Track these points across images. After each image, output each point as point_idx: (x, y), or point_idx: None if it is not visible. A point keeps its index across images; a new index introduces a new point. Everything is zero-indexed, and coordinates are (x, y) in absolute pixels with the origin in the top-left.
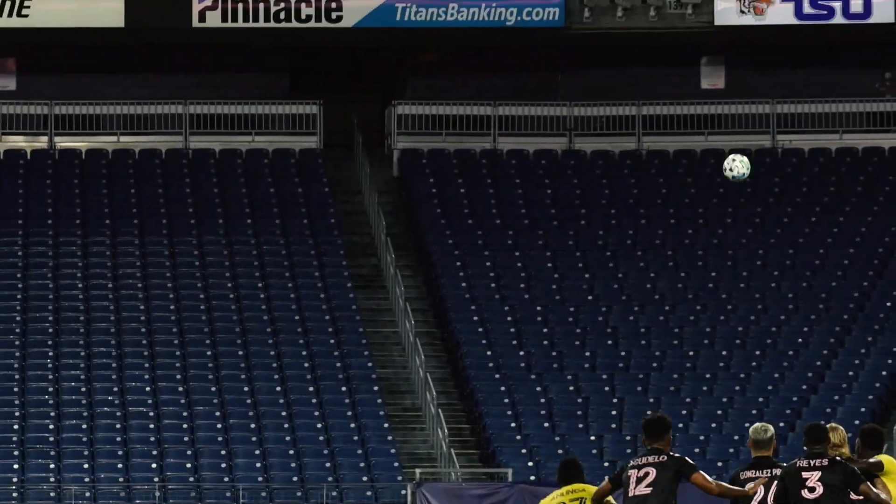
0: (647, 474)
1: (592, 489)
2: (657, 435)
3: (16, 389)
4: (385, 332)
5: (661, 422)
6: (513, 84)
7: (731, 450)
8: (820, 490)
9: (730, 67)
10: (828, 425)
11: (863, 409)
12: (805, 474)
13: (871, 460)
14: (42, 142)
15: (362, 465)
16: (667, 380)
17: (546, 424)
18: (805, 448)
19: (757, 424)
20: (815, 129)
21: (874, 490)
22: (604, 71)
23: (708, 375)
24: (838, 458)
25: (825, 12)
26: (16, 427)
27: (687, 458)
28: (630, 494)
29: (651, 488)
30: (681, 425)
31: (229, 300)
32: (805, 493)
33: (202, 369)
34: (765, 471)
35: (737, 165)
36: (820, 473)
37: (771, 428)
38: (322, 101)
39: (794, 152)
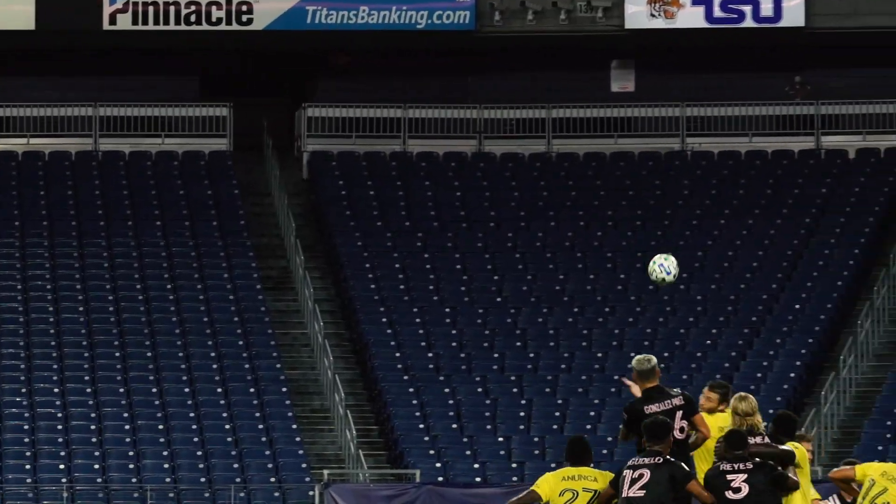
0: (641, 476)
1: (603, 476)
2: (658, 438)
3: None
4: (294, 334)
5: (665, 425)
6: (423, 87)
7: None
8: (745, 490)
9: (640, 71)
10: (738, 394)
11: (770, 412)
12: (730, 476)
13: (785, 448)
14: None
15: (270, 466)
16: (575, 381)
17: (454, 426)
18: (725, 453)
19: (639, 356)
20: (724, 133)
21: (794, 478)
22: (514, 74)
23: (616, 377)
24: (762, 460)
25: (735, 16)
26: None
27: (683, 465)
28: (624, 495)
29: (644, 491)
30: (589, 427)
31: (138, 301)
32: (729, 494)
33: (110, 370)
34: (665, 402)
35: (666, 268)
36: (745, 475)
37: (653, 358)
38: (232, 104)
39: (704, 155)
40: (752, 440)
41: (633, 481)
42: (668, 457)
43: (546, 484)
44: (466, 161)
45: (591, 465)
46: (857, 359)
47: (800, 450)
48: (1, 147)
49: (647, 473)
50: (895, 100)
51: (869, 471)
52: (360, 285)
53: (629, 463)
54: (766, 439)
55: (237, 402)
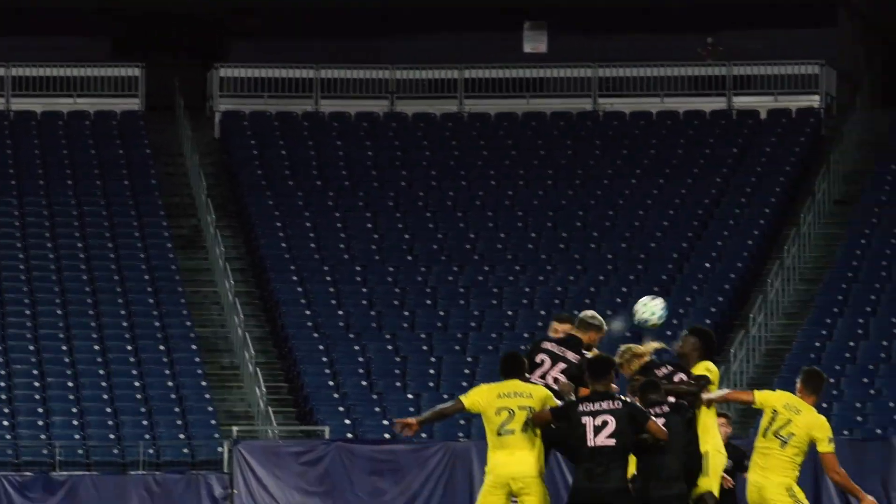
0: (605, 423)
1: (537, 391)
2: (602, 375)
3: None
4: (204, 292)
5: (608, 361)
6: (335, 47)
7: None
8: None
9: (552, 32)
10: (624, 352)
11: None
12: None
13: (700, 377)
14: None
15: (180, 422)
16: (485, 339)
17: (364, 383)
18: (642, 400)
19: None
20: (636, 93)
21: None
22: (426, 34)
23: (526, 335)
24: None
25: None
26: None
27: (637, 404)
28: (590, 445)
29: (615, 440)
30: None
31: (49, 260)
32: (650, 439)
33: (21, 328)
34: (561, 348)
35: (653, 311)
36: (664, 420)
37: (600, 320)
38: (144, 64)
39: (616, 115)
40: (659, 372)
41: (598, 429)
42: (622, 398)
43: (479, 396)
44: (378, 121)
45: (523, 379)
46: (767, 317)
47: (711, 369)
48: None
49: (611, 420)
50: (806, 60)
51: (769, 400)
52: (270, 244)
53: (584, 408)
54: (669, 367)
55: (147, 359)
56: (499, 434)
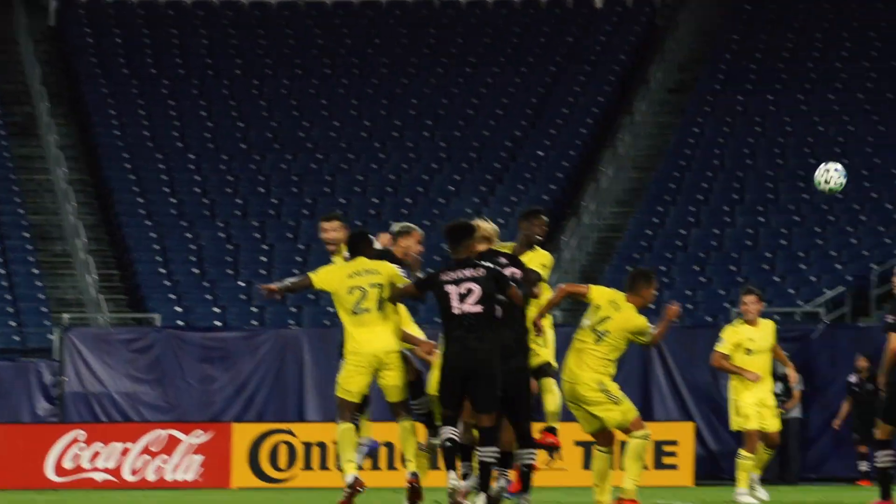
0: (469, 291)
1: (384, 267)
2: (461, 241)
3: None
4: (38, 179)
5: (468, 227)
6: None
7: None
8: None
9: None
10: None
11: None
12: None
13: (531, 270)
14: None
15: (11, 310)
16: (318, 227)
17: (195, 271)
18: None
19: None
20: None
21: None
22: None
23: (359, 222)
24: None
25: None
26: None
27: (500, 269)
28: (456, 312)
29: (481, 306)
30: None
31: None
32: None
33: None
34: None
35: (833, 177)
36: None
37: (413, 231)
38: None
39: (452, 4)
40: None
41: (463, 297)
42: (483, 263)
43: (328, 275)
44: (214, 9)
45: (370, 256)
46: (600, 205)
47: (546, 263)
48: None
49: (475, 288)
50: None
51: (598, 295)
52: (104, 132)
53: (446, 277)
54: (504, 260)
55: None
56: (354, 313)
